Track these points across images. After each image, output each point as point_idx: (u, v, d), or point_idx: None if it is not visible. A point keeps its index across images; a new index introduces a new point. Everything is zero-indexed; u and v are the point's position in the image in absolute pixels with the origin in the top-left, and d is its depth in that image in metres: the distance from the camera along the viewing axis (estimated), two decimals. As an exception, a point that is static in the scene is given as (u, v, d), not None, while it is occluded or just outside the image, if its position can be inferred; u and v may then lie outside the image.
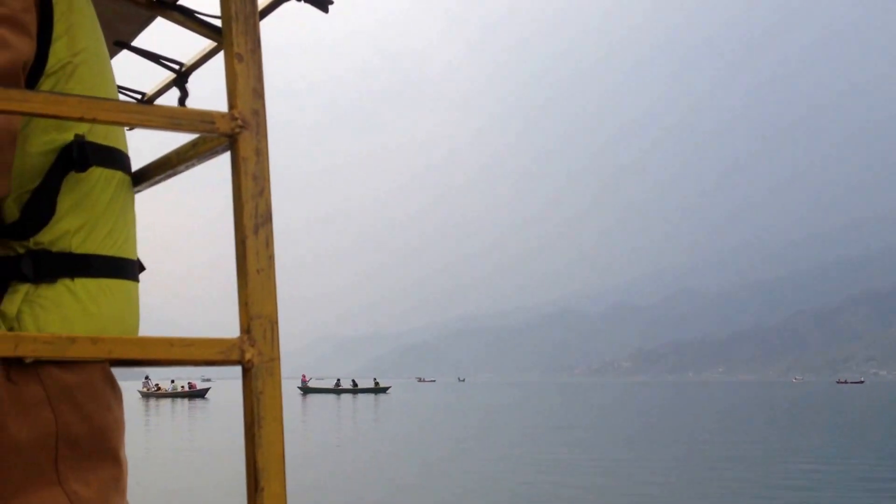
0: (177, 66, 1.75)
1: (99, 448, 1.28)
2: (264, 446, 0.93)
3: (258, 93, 1.01)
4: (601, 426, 33.57)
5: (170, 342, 0.90)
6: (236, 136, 0.99)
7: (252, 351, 0.95)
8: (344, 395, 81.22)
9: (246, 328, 0.95)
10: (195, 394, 78.74)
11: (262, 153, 1.00)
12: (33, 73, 1.21)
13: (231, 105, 1.00)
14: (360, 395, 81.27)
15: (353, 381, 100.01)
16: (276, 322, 0.97)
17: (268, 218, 0.99)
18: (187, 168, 1.26)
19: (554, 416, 42.44)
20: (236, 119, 0.99)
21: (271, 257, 0.98)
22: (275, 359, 0.96)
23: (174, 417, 42.84)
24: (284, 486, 0.93)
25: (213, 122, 0.97)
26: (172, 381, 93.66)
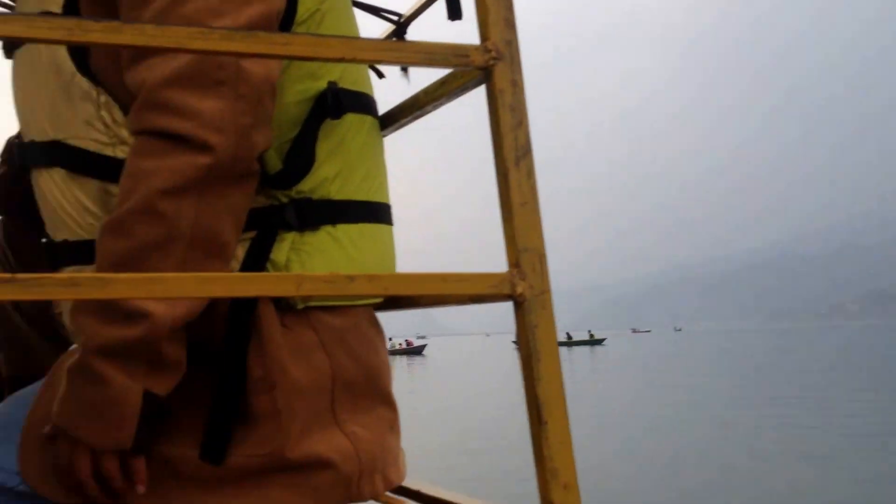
0: (395, 17, 1.76)
1: (372, 390, 1.31)
2: (544, 379, 0.92)
3: (510, 23, 0.99)
4: (838, 380, 31.30)
5: (443, 277, 0.89)
6: (491, 68, 0.97)
7: (523, 284, 0.93)
8: (559, 348, 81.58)
9: (515, 262, 0.94)
10: (413, 350, 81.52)
11: (517, 84, 0.98)
12: (284, 24, 1.23)
13: (483, 37, 0.98)
14: (576, 348, 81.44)
15: (568, 333, 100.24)
16: (544, 255, 0.96)
17: (528, 150, 0.97)
18: (435, 107, 1.26)
19: (782, 366, 40.86)
20: (490, 51, 0.97)
21: (534, 188, 0.96)
22: (546, 291, 0.95)
23: (399, 373, 44.44)
24: (567, 419, 0.92)
25: (467, 56, 0.95)
26: (391, 339, 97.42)
